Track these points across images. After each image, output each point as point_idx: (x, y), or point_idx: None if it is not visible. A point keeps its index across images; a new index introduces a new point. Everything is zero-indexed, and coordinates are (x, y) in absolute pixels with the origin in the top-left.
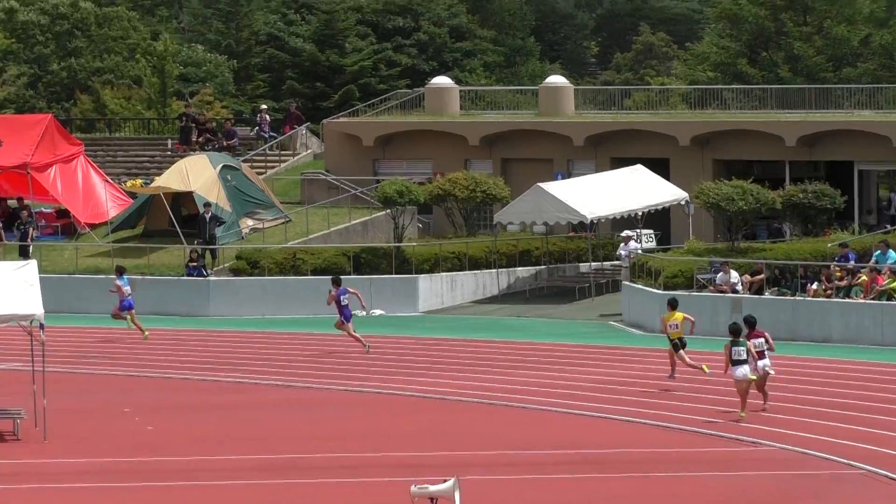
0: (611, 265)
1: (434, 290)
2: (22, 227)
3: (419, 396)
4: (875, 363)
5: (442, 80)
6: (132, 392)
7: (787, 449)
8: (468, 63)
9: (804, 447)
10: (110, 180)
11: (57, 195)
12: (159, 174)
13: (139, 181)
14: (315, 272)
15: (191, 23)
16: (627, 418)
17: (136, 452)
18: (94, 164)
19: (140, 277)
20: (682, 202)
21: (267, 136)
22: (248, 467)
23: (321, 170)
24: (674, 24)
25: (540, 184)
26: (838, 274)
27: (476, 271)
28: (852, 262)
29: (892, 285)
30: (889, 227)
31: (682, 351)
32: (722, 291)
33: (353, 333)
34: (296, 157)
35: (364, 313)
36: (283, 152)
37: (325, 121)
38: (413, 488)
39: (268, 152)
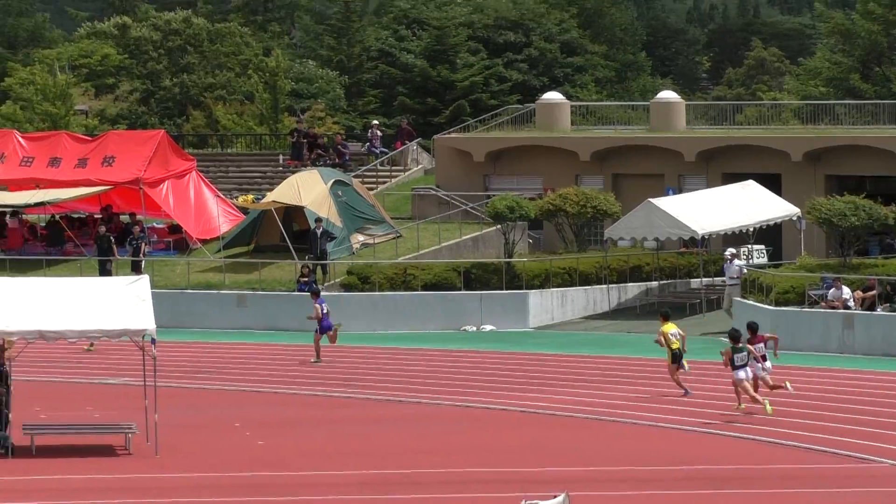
0: (721, 281)
1: (544, 305)
2: (134, 242)
3: (528, 412)
4: None
5: (553, 96)
6: (243, 407)
7: None
8: (579, 78)
9: None
10: (222, 196)
11: (169, 211)
12: (271, 189)
13: (251, 197)
14: (426, 287)
15: (303, 39)
16: (735, 434)
17: (247, 467)
18: (206, 180)
19: (251, 293)
20: (794, 218)
21: (378, 151)
22: (356, 482)
23: (432, 185)
24: (786, 39)
25: (651, 199)
26: None
27: (586, 287)
28: None
29: None
30: None
31: (682, 361)
32: (834, 307)
33: (319, 344)
34: (406, 173)
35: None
36: (393, 168)
37: (435, 136)
38: (524, 503)
39: (379, 168)
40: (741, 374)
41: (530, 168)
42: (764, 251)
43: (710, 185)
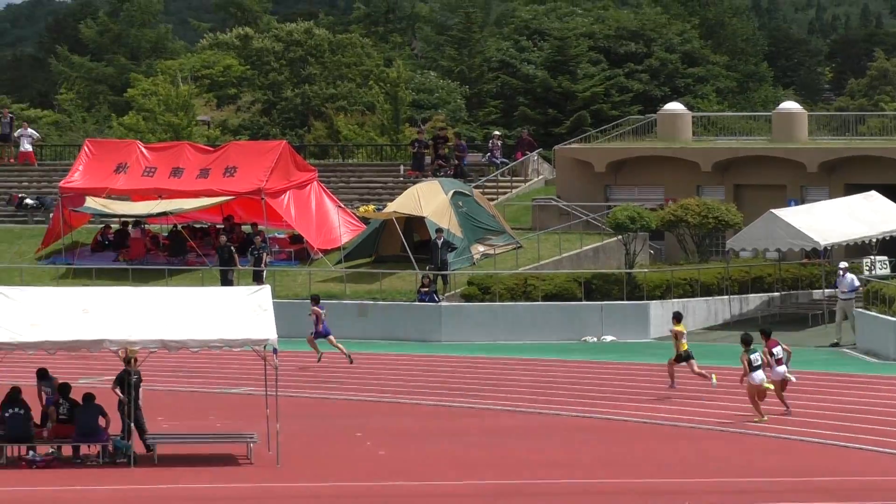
0: (834, 294)
1: (665, 316)
2: (256, 252)
3: (650, 423)
4: None
5: (674, 106)
6: (364, 416)
7: None
8: (700, 89)
9: None
10: (343, 206)
11: (290, 221)
12: (392, 200)
13: (372, 207)
14: (546, 298)
15: (424, 49)
16: (868, 447)
17: (368, 477)
18: (327, 190)
19: (372, 302)
20: None
21: (498, 162)
22: (477, 493)
23: (552, 196)
24: None
25: (773, 210)
26: None
27: (707, 298)
28: None
29: None
30: None
31: (692, 360)
32: None
33: (314, 344)
34: (527, 183)
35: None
36: (514, 178)
37: (556, 147)
38: None
39: (499, 178)
40: (757, 377)
41: (651, 178)
42: (886, 262)
43: (832, 196)
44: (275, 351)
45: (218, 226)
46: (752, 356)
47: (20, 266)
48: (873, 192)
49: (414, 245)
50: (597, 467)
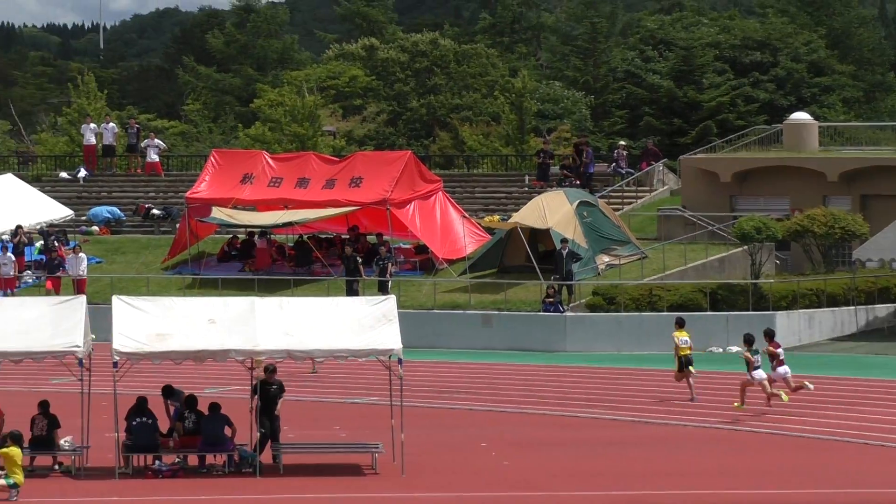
0: None
1: (791, 327)
2: (381, 262)
3: (774, 434)
4: None
5: (800, 116)
6: (488, 427)
7: None
8: (827, 98)
9: None
10: (468, 216)
11: (415, 231)
12: (516, 210)
13: (497, 217)
14: (671, 308)
15: (549, 60)
16: None
17: (492, 487)
18: (452, 200)
19: (497, 313)
20: None
21: (624, 172)
22: (603, 503)
23: (678, 206)
24: None
25: None
26: None
27: (834, 308)
28: None
29: None
30: None
31: (690, 367)
32: None
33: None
34: (652, 193)
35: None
36: (639, 188)
37: (682, 156)
38: None
39: (624, 188)
40: (758, 374)
41: (777, 189)
42: None
43: None
44: (400, 361)
45: (343, 236)
46: (756, 356)
47: (147, 276)
48: None
49: (539, 255)
50: (723, 478)
